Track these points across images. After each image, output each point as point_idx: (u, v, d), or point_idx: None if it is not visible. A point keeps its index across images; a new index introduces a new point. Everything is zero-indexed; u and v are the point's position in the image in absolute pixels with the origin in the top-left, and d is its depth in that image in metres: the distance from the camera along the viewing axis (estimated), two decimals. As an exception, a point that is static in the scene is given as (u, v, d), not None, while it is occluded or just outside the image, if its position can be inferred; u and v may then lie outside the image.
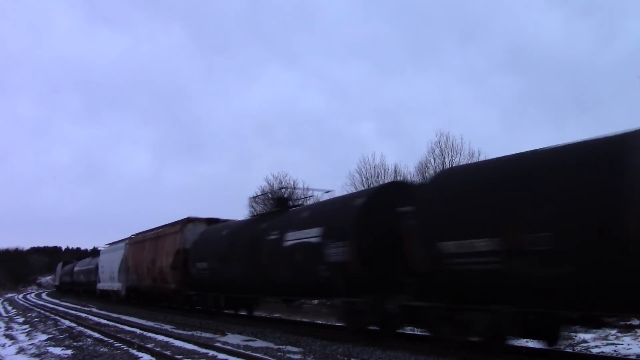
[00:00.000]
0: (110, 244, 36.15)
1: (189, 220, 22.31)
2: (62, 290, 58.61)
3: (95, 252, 53.95)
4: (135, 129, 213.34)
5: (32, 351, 11.49)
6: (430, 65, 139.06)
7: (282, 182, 39.65)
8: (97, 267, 37.71)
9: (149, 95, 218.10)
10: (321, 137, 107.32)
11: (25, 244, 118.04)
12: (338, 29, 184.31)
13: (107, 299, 34.33)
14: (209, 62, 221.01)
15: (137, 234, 29.22)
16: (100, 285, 35.58)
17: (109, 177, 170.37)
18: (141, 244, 27.10)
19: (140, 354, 10.70)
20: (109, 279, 32.92)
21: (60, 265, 65.73)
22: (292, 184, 40.75)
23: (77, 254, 79.41)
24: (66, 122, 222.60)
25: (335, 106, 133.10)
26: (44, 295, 54.67)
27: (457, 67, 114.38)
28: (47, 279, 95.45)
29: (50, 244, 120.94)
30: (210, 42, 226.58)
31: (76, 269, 49.55)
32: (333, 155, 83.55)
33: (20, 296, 52.94)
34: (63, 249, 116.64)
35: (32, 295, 57.24)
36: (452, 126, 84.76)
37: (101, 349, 11.52)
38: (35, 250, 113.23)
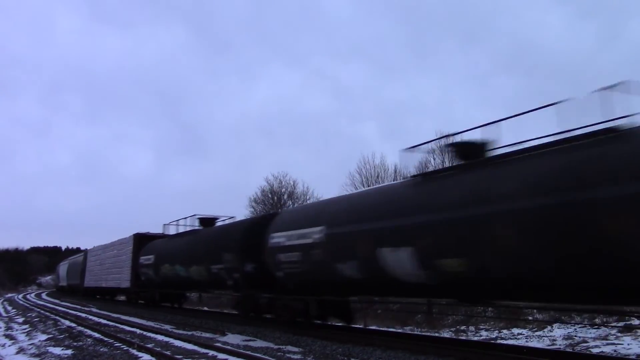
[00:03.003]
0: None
1: None
2: (151, 301, 26.23)
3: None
4: (137, 129, 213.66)
5: (32, 351, 11.49)
6: (432, 65, 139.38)
7: (282, 182, 39.69)
8: None
9: (150, 95, 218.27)
10: (322, 137, 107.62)
11: (25, 244, 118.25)
12: (340, 29, 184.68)
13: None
14: (211, 62, 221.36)
15: None
16: None
17: (110, 177, 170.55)
18: None
19: (140, 354, 10.70)
20: None
21: (99, 250, 34.67)
22: (291, 184, 40.79)
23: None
24: (68, 122, 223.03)
25: (337, 106, 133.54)
26: (44, 296, 54.62)
27: (458, 68, 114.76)
28: (47, 279, 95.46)
29: (50, 244, 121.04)
30: (212, 42, 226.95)
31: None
32: (334, 155, 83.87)
33: (20, 296, 52.93)
34: (63, 249, 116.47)
35: (32, 295, 57.20)
36: (453, 126, 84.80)
37: (101, 349, 11.52)
38: (35, 250, 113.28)
